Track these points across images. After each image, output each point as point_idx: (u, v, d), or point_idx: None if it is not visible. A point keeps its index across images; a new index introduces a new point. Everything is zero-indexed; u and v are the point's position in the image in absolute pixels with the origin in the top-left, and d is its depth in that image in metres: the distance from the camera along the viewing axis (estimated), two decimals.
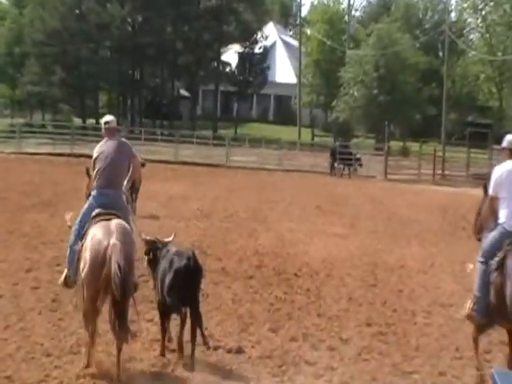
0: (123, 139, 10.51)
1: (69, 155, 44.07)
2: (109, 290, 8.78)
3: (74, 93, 78.09)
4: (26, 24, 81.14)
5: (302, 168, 45.85)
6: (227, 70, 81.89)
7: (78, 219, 9.84)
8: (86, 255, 9.00)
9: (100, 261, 8.82)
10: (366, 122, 71.81)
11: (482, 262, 9.33)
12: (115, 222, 9.25)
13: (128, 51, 75.90)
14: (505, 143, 9.64)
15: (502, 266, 9.02)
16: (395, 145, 61.99)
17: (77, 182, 29.22)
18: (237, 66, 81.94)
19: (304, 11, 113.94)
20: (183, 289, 9.32)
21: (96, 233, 9.13)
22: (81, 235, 9.50)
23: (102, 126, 10.46)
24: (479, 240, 9.92)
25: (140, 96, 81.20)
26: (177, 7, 74.42)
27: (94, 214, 9.58)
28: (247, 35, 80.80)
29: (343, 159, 44.85)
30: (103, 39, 76.02)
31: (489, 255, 9.27)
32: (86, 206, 9.91)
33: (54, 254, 15.51)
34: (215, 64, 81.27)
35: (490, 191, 9.54)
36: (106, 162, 9.88)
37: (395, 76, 68.42)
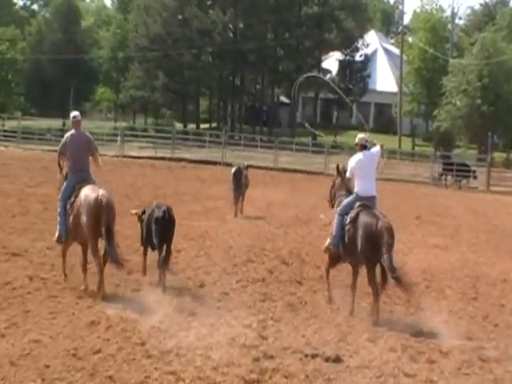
0: (87, 132, 13.65)
1: (169, 159, 44.71)
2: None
3: (176, 98, 79.18)
4: (130, 29, 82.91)
5: (401, 177, 45.39)
6: (327, 77, 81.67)
7: (61, 194, 13.04)
8: (83, 203, 12.35)
9: (94, 204, 12.22)
10: (467, 132, 70.52)
11: (339, 215, 12.83)
12: (97, 186, 12.76)
13: (229, 57, 76.60)
14: (356, 140, 13.44)
15: (355, 220, 12.44)
16: (498, 156, 60.79)
17: (178, 185, 29.79)
18: (337, 74, 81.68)
19: (406, 19, 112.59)
20: (161, 231, 13.26)
21: (86, 190, 12.50)
22: (66, 205, 12.81)
23: (71, 119, 13.40)
24: (333, 206, 13.73)
25: (240, 102, 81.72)
26: (278, 14, 74.74)
27: (77, 187, 12.78)
28: (348, 43, 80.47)
29: (451, 170, 44.57)
30: (205, 45, 76.83)
31: (344, 211, 12.75)
32: (66, 184, 13.06)
33: (153, 257, 15.71)
34: (315, 71, 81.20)
35: (348, 174, 13.21)
36: (77, 150, 13.09)
37: (499, 86, 67.02)
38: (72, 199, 12.71)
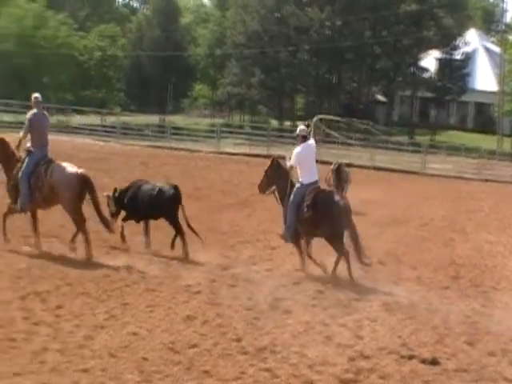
0: (45, 112, 14.96)
1: (265, 156, 44.80)
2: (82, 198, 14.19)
3: (272, 95, 79.39)
4: (227, 26, 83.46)
5: (501, 178, 44.45)
6: (425, 75, 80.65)
7: (25, 167, 14.28)
8: (63, 179, 14.00)
9: (77, 180, 14.03)
10: None
11: (292, 207, 14.22)
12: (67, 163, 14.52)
13: (326, 55, 76.36)
14: (297, 132, 14.91)
15: (313, 203, 14.02)
16: None
17: None
18: (436, 72, 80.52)
19: (508, 17, 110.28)
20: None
21: (63, 167, 14.25)
22: (29, 177, 14.20)
23: (32, 99, 14.73)
24: (263, 193, 15.25)
25: (336, 100, 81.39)
26: (376, 12, 74.13)
27: (42, 162, 14.32)
28: (447, 41, 79.14)
29: None
30: (302, 42, 76.74)
31: (298, 199, 14.19)
32: (29, 158, 14.37)
33: (250, 253, 15.82)
34: (413, 69, 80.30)
35: (292, 162, 14.50)
36: (41, 127, 14.60)
37: None
38: (40, 173, 14.22)
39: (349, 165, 27.33)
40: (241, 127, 72.12)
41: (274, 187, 14.96)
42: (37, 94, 14.93)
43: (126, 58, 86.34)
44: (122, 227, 15.29)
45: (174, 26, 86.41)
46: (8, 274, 12.35)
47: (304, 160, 14.43)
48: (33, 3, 75.47)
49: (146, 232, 15.45)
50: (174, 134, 54.23)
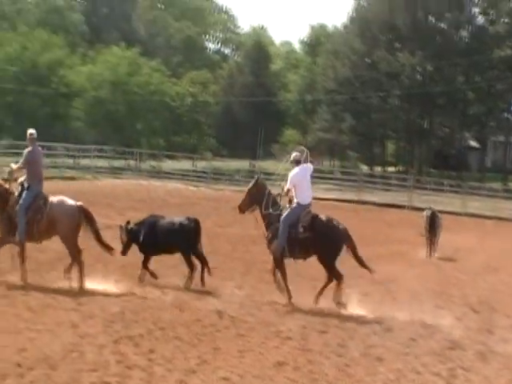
0: (39, 148, 15.57)
1: (355, 202, 44.65)
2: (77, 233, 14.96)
3: (363, 140, 79.15)
4: (318, 72, 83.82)
5: None
6: None
7: (23, 200, 14.91)
8: (63, 211, 14.81)
9: (76, 213, 14.88)
10: None
11: (284, 223, 14.77)
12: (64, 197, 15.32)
13: (417, 100, 75.88)
14: (292, 157, 15.70)
15: (311, 225, 14.70)
16: None
17: (363, 228, 29.61)
18: None
19: None
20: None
21: (63, 200, 15.08)
22: (27, 210, 14.82)
23: (28, 136, 15.30)
24: (243, 212, 15.57)
25: (428, 145, 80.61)
26: (469, 57, 73.44)
27: (39, 196, 15.01)
28: None
29: None
30: (393, 87, 76.40)
31: (293, 220, 14.79)
32: (27, 192, 15.01)
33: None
34: (507, 115, 79.08)
35: (288, 185, 15.10)
36: (38, 163, 15.37)
37: None
38: (39, 206, 14.96)
39: (440, 211, 26.96)
40: (331, 172, 72.01)
41: (255, 206, 15.47)
42: (32, 131, 15.45)
43: (217, 104, 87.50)
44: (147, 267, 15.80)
45: (265, 72, 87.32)
46: (102, 317, 12.55)
47: (299, 182, 15.18)
48: (127, 51, 77.42)
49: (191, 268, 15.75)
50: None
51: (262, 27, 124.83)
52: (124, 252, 15.93)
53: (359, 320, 13.75)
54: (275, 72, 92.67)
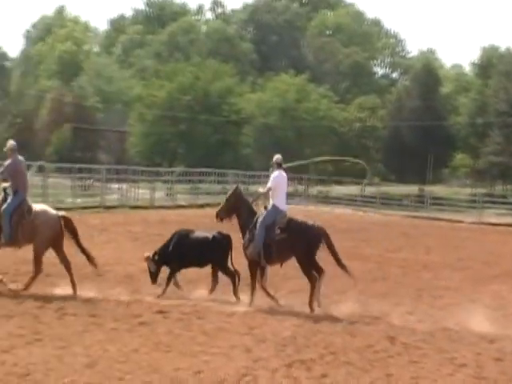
0: (20, 157, 16.13)
1: None
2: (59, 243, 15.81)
3: None
4: (489, 94, 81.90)
5: None
6: None
7: (9, 204, 15.60)
8: (46, 219, 15.64)
9: (58, 223, 15.74)
10: None
11: (263, 227, 15.13)
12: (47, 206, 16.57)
13: None
14: (274, 159, 15.91)
15: (286, 226, 15.13)
16: None
17: None
18: None
19: None
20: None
21: (46, 209, 16.04)
22: (12, 215, 15.47)
23: (8, 146, 15.96)
24: (221, 220, 15.97)
25: None
26: None
27: (24, 202, 15.67)
28: None
29: None
30: None
31: (269, 222, 15.17)
32: (14, 197, 15.65)
33: None
34: None
35: (270, 185, 15.48)
36: (22, 173, 16.01)
37: None
38: (23, 211, 15.59)
39: None
40: (504, 197, 70.04)
41: (233, 215, 15.82)
42: (13, 142, 16.13)
43: (385, 128, 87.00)
44: (173, 279, 16.24)
45: (434, 96, 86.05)
46: (274, 341, 12.66)
47: (279, 185, 15.56)
48: (296, 77, 78.38)
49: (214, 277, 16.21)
50: (433, 203, 53.79)
51: (431, 50, 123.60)
52: (154, 281, 16.31)
53: None
54: (445, 95, 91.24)
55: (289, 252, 15.25)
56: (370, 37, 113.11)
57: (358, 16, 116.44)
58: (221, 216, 16.00)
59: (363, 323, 14.40)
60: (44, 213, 15.90)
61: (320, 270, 15.24)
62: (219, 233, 16.36)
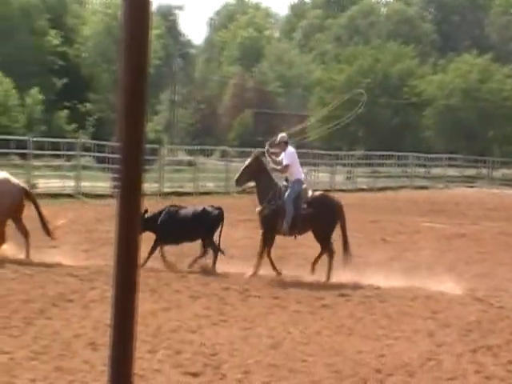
0: None
1: None
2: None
3: None
4: None
5: None
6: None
7: None
8: (6, 190, 15.34)
9: (18, 192, 15.68)
10: None
11: (290, 201, 15.42)
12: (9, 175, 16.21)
13: None
14: (278, 139, 16.02)
15: (310, 201, 15.67)
16: None
17: None
18: None
19: None
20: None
21: (8, 178, 15.76)
22: None
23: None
24: (240, 186, 17.55)
25: None
26: None
27: None
28: None
29: None
30: None
31: (297, 195, 15.54)
32: None
33: None
34: None
35: (288, 161, 15.73)
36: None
37: None
38: None
39: None
40: None
41: (253, 184, 16.30)
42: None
43: None
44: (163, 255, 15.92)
45: None
46: (458, 326, 12.43)
47: (295, 161, 16.02)
48: (479, 58, 76.39)
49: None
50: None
51: None
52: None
53: None
54: None
55: (309, 225, 15.73)
56: None
57: None
58: (240, 182, 16.61)
59: None
60: (5, 181, 15.80)
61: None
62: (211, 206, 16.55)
